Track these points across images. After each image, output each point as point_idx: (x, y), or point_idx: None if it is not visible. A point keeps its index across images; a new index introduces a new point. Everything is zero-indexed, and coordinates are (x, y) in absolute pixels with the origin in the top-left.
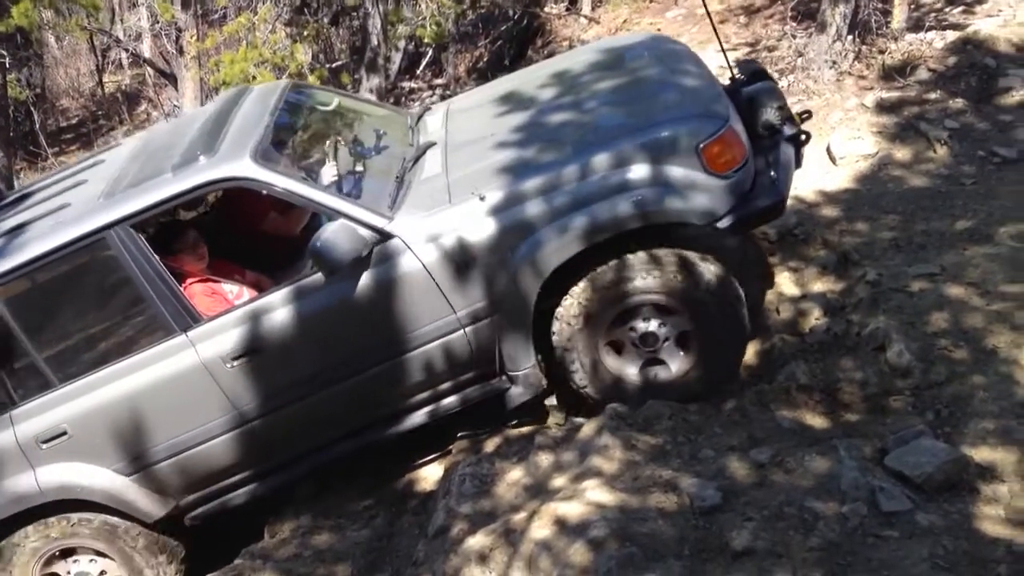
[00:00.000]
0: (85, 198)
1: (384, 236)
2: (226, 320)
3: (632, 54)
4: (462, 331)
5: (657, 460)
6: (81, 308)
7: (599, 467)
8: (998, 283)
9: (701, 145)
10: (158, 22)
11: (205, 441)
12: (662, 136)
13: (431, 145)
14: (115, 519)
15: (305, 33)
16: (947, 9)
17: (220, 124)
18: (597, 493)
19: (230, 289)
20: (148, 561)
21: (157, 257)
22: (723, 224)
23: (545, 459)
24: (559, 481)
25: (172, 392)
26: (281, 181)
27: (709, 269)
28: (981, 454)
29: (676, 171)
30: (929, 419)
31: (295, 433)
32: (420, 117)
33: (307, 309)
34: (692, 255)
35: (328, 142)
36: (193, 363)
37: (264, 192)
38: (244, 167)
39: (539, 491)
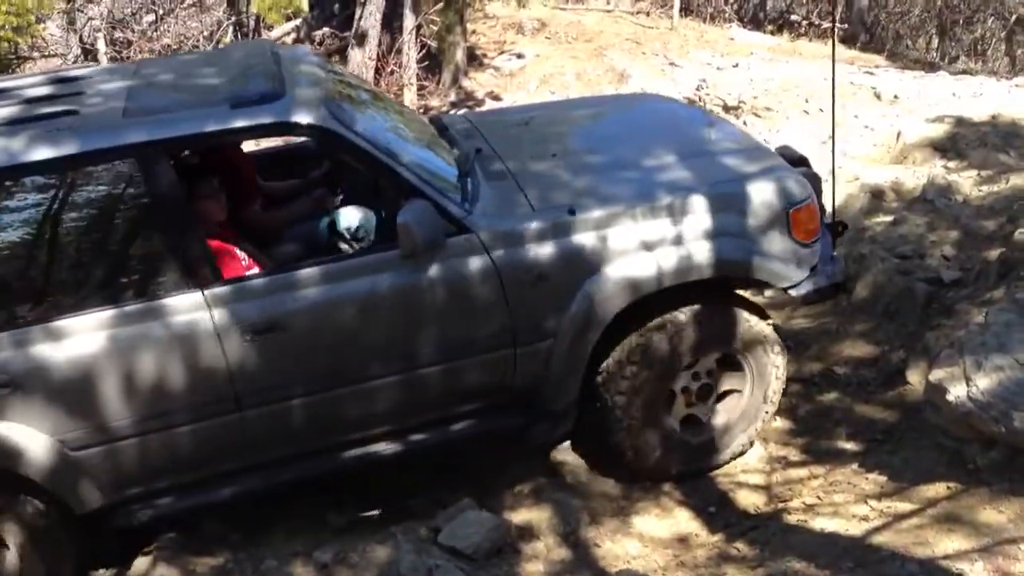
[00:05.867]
0: (97, 110)
1: (460, 229)
2: (256, 285)
3: (664, 110)
4: (511, 350)
5: None
6: (73, 237)
7: None
8: None
9: (791, 209)
10: None
11: (186, 423)
12: (764, 190)
13: (479, 150)
14: (32, 500)
15: None
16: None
17: (272, 70)
18: None
19: (242, 255)
20: (47, 557)
21: (186, 198)
22: (797, 292)
23: None
24: None
25: (166, 357)
26: (361, 142)
27: (770, 332)
28: (519, 516)
29: (764, 229)
30: (473, 492)
31: (294, 432)
32: (435, 121)
33: (356, 292)
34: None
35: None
36: (204, 328)
37: (338, 150)
38: (322, 117)
39: None
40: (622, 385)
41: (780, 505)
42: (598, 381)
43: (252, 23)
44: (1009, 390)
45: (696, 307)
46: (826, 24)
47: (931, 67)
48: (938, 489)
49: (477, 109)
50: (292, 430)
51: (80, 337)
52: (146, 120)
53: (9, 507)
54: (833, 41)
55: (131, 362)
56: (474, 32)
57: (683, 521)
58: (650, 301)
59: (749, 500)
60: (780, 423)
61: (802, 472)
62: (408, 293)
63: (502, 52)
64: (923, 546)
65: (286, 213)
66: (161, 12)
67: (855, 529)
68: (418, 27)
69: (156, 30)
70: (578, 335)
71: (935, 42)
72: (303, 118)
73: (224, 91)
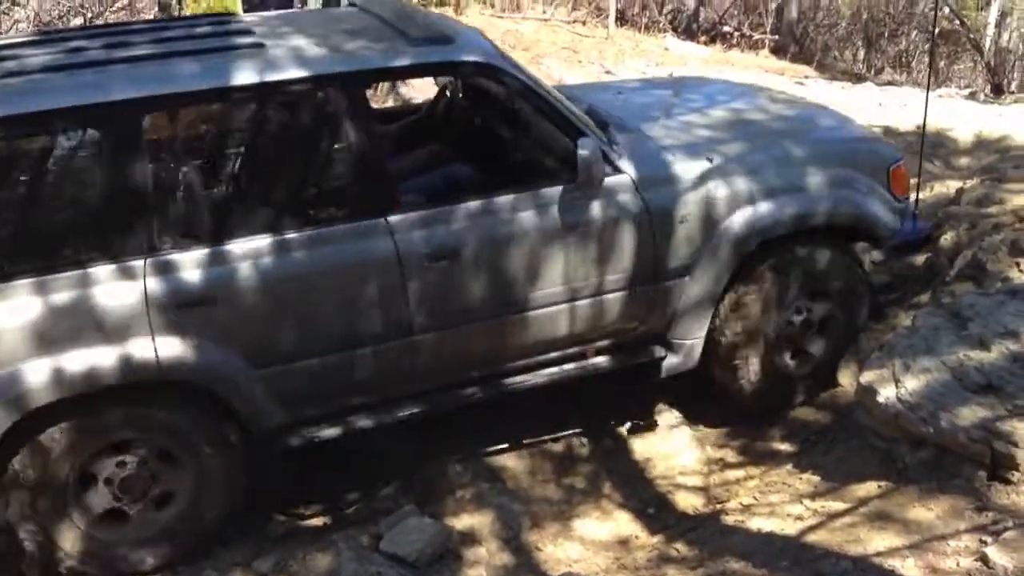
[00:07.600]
0: (283, 44)
1: (616, 170)
2: (434, 214)
3: (739, 90)
4: (653, 286)
5: None
6: (267, 160)
7: None
8: None
9: (891, 168)
10: None
11: (362, 346)
12: (867, 148)
13: (594, 106)
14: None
15: None
16: None
17: (416, 19)
18: None
19: None
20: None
21: (374, 125)
22: (894, 241)
23: None
24: None
25: (349, 280)
26: (529, 82)
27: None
28: (462, 522)
29: (874, 184)
30: (415, 498)
31: (455, 359)
32: None
33: (525, 224)
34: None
35: None
36: (386, 253)
37: (508, 90)
38: (495, 58)
39: None
40: (740, 321)
41: (718, 506)
42: (720, 316)
43: None
44: (936, 391)
45: (814, 248)
46: (757, 35)
47: (858, 78)
48: (869, 488)
49: None
50: (458, 356)
51: (273, 258)
52: (342, 53)
53: (195, 423)
54: (932, 55)
55: (317, 283)
56: None
57: (623, 523)
58: (775, 243)
59: (687, 501)
60: (717, 426)
61: (739, 473)
62: (572, 227)
63: None
64: (856, 543)
65: (407, 162)
66: (90, 15)
67: (790, 528)
68: None
69: None
70: (713, 273)
71: (861, 54)
72: (480, 57)
73: (394, 34)
